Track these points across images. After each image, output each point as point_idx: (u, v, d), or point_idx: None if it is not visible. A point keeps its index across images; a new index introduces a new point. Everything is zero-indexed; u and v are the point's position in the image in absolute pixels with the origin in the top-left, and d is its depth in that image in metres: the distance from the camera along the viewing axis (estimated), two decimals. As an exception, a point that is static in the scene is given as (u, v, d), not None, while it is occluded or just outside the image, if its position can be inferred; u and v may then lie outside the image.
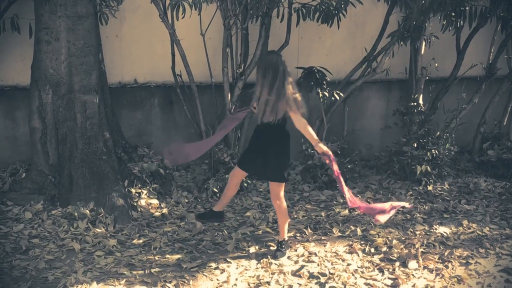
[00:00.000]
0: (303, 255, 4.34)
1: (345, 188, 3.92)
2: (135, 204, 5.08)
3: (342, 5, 5.43)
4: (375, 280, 3.99)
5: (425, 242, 4.58)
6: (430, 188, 5.86)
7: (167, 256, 4.26)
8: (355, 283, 3.93)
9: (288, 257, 4.28)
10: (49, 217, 4.76)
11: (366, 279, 4.01)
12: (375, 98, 6.72)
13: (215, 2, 5.12)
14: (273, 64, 3.85)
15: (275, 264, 4.18)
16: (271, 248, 4.43)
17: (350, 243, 4.56)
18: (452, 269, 4.17)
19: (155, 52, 5.79)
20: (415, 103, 6.19)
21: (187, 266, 4.10)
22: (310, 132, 3.95)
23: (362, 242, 4.57)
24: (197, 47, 5.49)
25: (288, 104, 3.85)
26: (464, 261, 4.29)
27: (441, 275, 4.07)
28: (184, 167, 6.00)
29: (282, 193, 4.16)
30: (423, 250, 4.43)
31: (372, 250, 4.44)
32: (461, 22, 5.78)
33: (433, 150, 5.87)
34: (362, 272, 4.10)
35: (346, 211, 5.18)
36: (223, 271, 4.07)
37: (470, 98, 6.45)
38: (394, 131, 6.41)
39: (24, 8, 5.08)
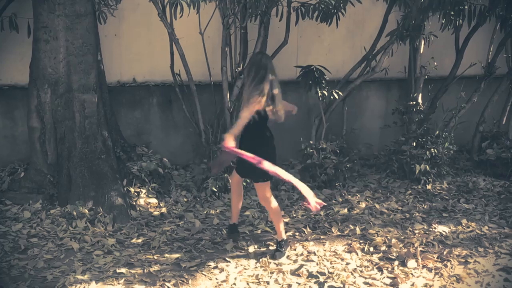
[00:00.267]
0: (302, 254, 4.34)
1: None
2: (134, 203, 5.07)
3: (341, 4, 5.42)
4: (374, 279, 3.99)
5: (424, 241, 4.58)
6: (429, 187, 5.86)
7: (166, 255, 4.26)
8: (354, 282, 3.92)
9: (287, 256, 4.28)
10: (48, 216, 4.76)
11: (365, 278, 4.00)
12: (374, 97, 6.72)
13: (214, 1, 5.12)
14: (256, 63, 3.90)
15: (274, 263, 4.18)
16: (270, 247, 4.42)
17: (349, 242, 4.56)
18: (451, 268, 4.17)
19: (154, 51, 5.78)
20: (414, 102, 6.18)
21: (186, 265, 4.10)
22: (236, 124, 3.87)
23: (361, 241, 4.57)
24: (196, 46, 5.48)
25: (246, 102, 3.83)
26: (463, 260, 4.29)
27: (440, 274, 4.07)
28: (183, 166, 6.00)
29: (268, 193, 4.12)
30: (422, 249, 4.43)
31: (371, 249, 4.44)
32: (460, 21, 5.78)
33: (432, 149, 5.87)
34: (361, 271, 4.09)
35: (345, 210, 5.18)
36: (222, 270, 4.06)
37: (469, 97, 6.45)
38: (393, 130, 6.41)
39: (22, 7, 5.06)
